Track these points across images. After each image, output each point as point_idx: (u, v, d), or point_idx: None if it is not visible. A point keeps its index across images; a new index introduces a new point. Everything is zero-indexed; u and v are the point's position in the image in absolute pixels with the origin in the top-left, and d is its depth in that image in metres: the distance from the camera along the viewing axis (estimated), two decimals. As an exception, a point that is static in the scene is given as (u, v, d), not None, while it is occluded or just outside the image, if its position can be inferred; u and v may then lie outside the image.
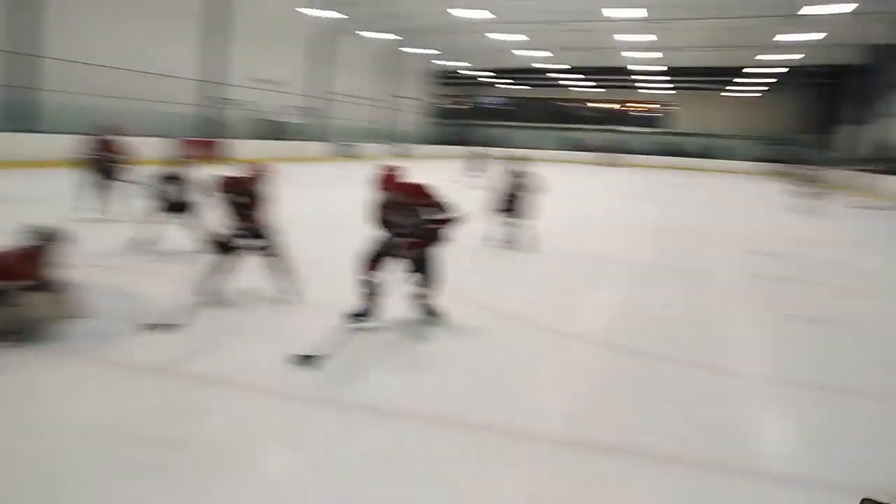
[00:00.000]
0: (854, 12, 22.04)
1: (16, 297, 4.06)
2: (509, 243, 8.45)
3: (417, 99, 43.15)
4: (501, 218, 8.62)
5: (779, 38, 24.68)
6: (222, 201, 5.13)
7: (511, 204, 8.53)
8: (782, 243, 10.36)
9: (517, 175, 8.69)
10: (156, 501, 2.54)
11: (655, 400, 3.86)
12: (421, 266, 4.68)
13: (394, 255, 4.64)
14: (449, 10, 26.23)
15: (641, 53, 31.21)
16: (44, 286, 4.24)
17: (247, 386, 3.69)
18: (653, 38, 29.20)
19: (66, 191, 8.63)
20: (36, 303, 4.15)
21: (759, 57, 30.32)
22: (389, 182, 4.58)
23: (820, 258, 9.25)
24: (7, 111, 16.85)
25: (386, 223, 4.66)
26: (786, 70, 35.93)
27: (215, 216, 5.42)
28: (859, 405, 4.00)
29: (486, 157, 18.57)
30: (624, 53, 32.46)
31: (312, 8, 25.87)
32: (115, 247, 6.93)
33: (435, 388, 3.85)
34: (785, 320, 5.91)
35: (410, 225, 4.58)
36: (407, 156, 33.58)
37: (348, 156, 30.47)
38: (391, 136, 37.78)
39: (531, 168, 8.79)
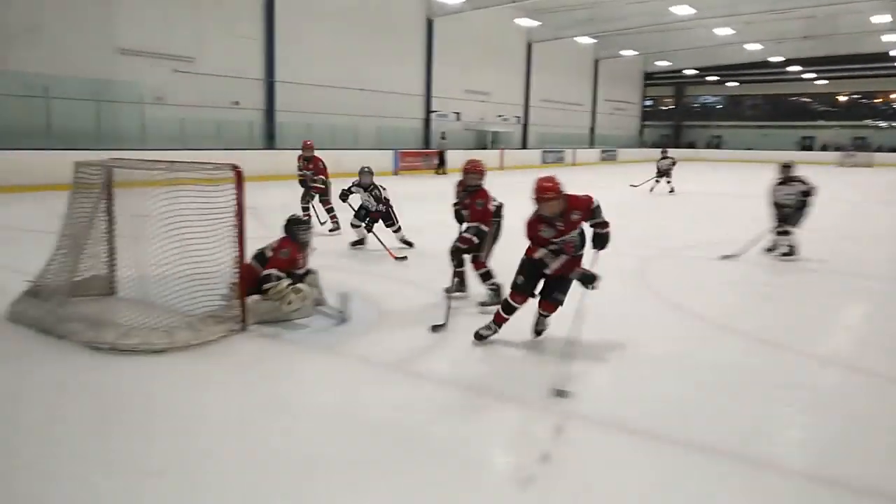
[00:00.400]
0: None
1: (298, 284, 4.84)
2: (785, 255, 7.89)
3: (627, 102, 41.88)
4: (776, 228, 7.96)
5: None
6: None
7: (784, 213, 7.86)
8: None
9: (787, 181, 7.93)
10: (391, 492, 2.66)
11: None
12: (560, 283, 4.35)
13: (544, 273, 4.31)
14: (653, 9, 25.22)
15: (890, 35, 27.36)
16: (306, 276, 5.04)
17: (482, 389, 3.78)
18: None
19: (293, 201, 9.61)
20: (305, 291, 4.84)
21: None
22: (546, 192, 4.17)
23: None
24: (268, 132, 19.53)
25: (536, 238, 4.26)
26: None
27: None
28: None
29: (670, 160, 17.30)
30: (883, 38, 28.63)
31: (522, 18, 26.33)
32: (338, 251, 7.59)
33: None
34: None
35: (561, 241, 4.21)
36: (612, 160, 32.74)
37: (553, 162, 30.58)
38: (601, 142, 37.15)
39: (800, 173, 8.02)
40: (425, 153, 24.13)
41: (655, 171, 17.18)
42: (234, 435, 3.23)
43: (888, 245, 9.65)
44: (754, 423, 3.50)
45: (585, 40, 30.97)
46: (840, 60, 35.64)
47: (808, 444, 3.40)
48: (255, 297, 4.82)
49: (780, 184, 8.00)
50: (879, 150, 37.90)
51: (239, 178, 4.42)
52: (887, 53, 31.70)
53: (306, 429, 3.32)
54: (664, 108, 49.72)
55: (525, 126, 31.73)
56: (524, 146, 31.22)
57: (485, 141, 28.27)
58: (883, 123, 41.96)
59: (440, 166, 23.61)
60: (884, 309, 6.19)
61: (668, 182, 16.58)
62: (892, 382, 4.17)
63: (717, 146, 45.45)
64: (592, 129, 37.63)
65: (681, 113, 48.71)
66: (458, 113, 27.13)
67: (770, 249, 8.11)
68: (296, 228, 5.09)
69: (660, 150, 19.30)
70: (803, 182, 7.85)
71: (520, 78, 31.27)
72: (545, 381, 3.77)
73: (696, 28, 30.13)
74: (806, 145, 42.67)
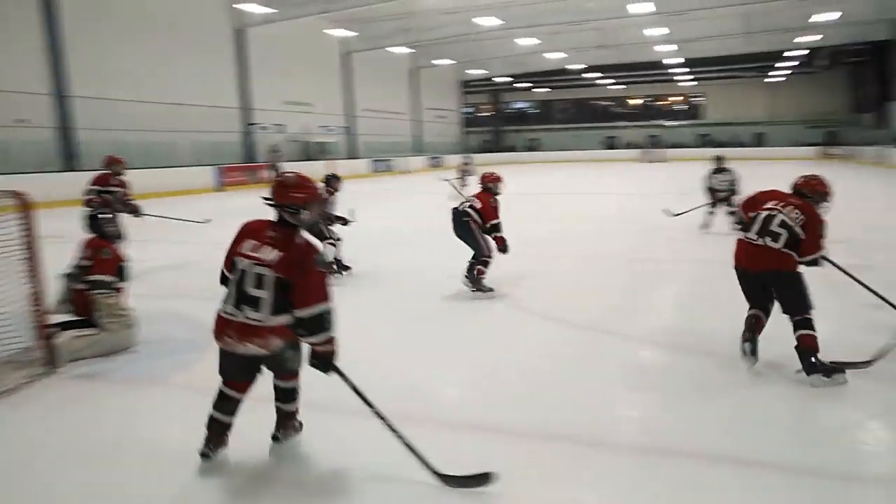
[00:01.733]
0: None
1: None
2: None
3: (448, 109, 43.20)
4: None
5: (815, 18, 24.08)
6: None
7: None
8: (852, 229, 9.86)
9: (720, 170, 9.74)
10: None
11: (743, 406, 3.61)
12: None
13: None
14: (464, 19, 26.33)
15: (668, 46, 30.86)
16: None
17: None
18: (681, 29, 28.85)
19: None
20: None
21: (797, 39, 29.69)
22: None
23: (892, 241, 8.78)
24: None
25: None
26: (823, 50, 35.20)
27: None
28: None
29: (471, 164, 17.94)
30: (656, 48, 32.07)
31: (335, 28, 26.18)
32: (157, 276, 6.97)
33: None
34: (856, 311, 5.55)
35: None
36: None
37: (384, 171, 30.78)
38: (427, 149, 37.96)
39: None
40: (250, 167, 23.15)
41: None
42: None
43: (673, 232, 10.69)
44: (592, 406, 3.66)
45: (402, 50, 31.48)
46: (629, 67, 39.43)
47: (638, 421, 3.61)
48: (70, 332, 4.26)
49: (716, 172, 9.82)
50: (674, 146, 42.48)
51: (25, 206, 3.87)
52: (663, 62, 35.60)
53: (139, 474, 2.94)
54: (483, 114, 51.98)
55: (351, 136, 31.59)
56: (353, 156, 31.05)
57: (310, 152, 27.73)
58: (669, 123, 47.17)
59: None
60: (692, 288, 6.83)
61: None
62: (709, 356, 4.54)
63: (535, 149, 48.34)
64: (417, 137, 38.36)
65: (499, 119, 51.23)
66: (280, 125, 26.36)
67: (704, 226, 9.79)
68: (101, 222, 4.58)
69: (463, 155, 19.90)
70: (731, 172, 9.73)
71: (342, 88, 31.09)
72: (394, 393, 3.68)
73: (504, 38, 31.76)
74: (610, 144, 46.69)
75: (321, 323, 2.82)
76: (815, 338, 3.88)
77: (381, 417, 2.96)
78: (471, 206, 6.17)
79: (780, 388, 3.91)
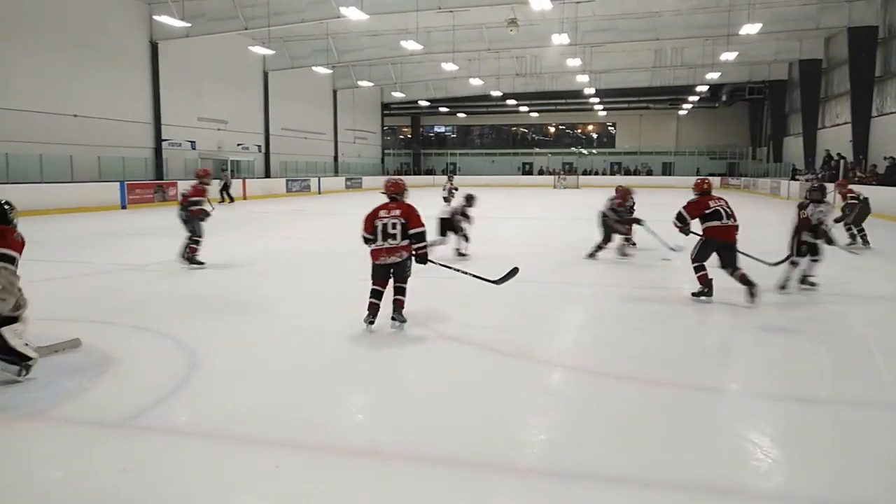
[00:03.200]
0: (785, 31, 23.41)
1: None
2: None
3: (368, 131, 43.10)
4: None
5: (718, 57, 25.62)
6: None
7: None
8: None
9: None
10: None
11: (631, 422, 3.64)
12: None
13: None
14: (385, 42, 26.52)
15: (582, 77, 32.05)
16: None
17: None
18: (595, 61, 30.01)
19: None
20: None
21: (703, 76, 31.45)
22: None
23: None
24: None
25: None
26: (726, 87, 37.47)
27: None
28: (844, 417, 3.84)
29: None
30: (572, 78, 33.20)
31: (256, 46, 25.72)
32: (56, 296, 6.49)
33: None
34: (756, 332, 5.81)
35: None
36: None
37: (300, 191, 30.29)
38: (346, 169, 37.67)
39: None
40: (158, 184, 22.22)
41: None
42: None
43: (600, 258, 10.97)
44: (495, 430, 3.61)
45: (323, 70, 31.22)
46: (546, 95, 40.61)
47: (543, 444, 3.58)
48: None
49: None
50: (585, 173, 43.96)
51: None
52: (581, 91, 36.91)
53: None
54: (403, 136, 52.18)
55: (267, 155, 30.93)
56: (268, 175, 30.42)
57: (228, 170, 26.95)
58: (584, 151, 48.82)
59: (226, 195, 23.68)
60: (598, 310, 6.96)
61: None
62: (623, 380, 4.61)
63: (454, 172, 48.83)
64: (336, 158, 38.00)
65: (419, 141, 51.53)
66: (192, 141, 25.53)
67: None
68: (5, 209, 4.23)
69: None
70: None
71: (258, 106, 30.46)
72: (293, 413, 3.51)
73: (426, 62, 32.11)
74: (527, 170, 47.81)
75: (421, 236, 5.51)
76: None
77: (462, 271, 6.19)
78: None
79: (678, 406, 4.00)
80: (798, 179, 26.74)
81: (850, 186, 11.79)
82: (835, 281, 8.06)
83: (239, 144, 28.60)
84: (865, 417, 3.87)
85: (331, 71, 32.98)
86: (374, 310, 5.47)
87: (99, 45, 20.99)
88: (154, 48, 23.21)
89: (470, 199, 10.10)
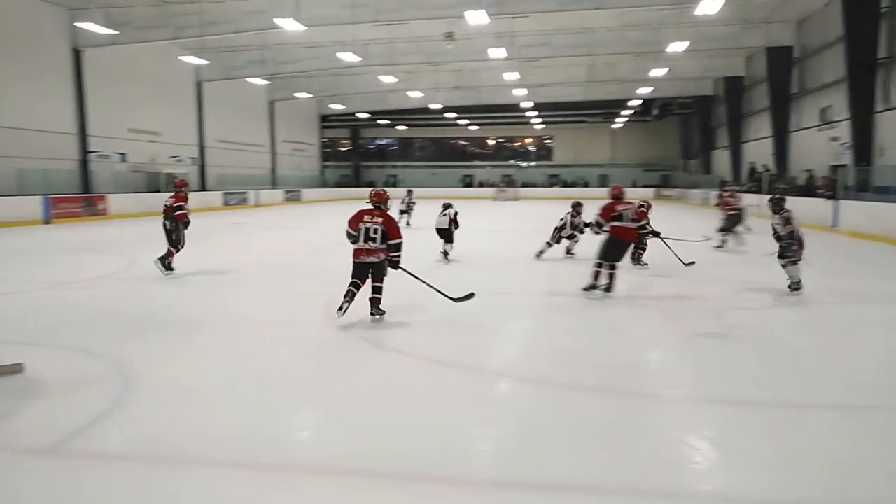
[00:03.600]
0: (710, 49, 24.47)
1: None
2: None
3: (306, 143, 42.59)
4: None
5: (649, 72, 26.49)
6: None
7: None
8: (670, 264, 10.71)
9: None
10: None
11: (576, 430, 3.68)
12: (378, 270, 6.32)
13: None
14: (322, 54, 26.34)
15: (520, 90, 32.58)
16: None
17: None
18: (532, 75, 30.59)
19: None
20: None
21: (635, 91, 32.40)
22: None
23: (710, 274, 9.60)
24: None
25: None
26: (660, 101, 38.80)
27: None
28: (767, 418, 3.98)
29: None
30: (510, 91, 33.71)
31: (188, 55, 25.09)
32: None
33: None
34: (692, 338, 5.98)
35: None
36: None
37: (237, 204, 29.63)
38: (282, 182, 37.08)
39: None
40: (86, 197, 21.32)
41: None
42: None
43: (532, 265, 11.11)
44: (444, 441, 3.58)
45: (259, 81, 30.70)
46: (485, 109, 41.08)
47: (491, 454, 3.57)
48: None
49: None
50: (524, 186, 44.60)
51: None
52: (519, 105, 37.47)
53: None
54: (343, 149, 51.79)
55: (202, 167, 30.14)
56: (203, 188, 29.61)
57: (158, 184, 26.09)
58: (523, 163, 49.57)
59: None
60: (543, 320, 7.03)
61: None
62: (566, 388, 4.65)
63: (394, 185, 48.75)
64: (274, 170, 37.36)
65: (359, 154, 51.23)
66: (122, 153, 24.63)
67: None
68: None
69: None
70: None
71: (192, 117, 29.68)
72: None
73: (364, 74, 32.01)
74: (467, 182, 48.16)
75: (398, 247, 6.24)
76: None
77: (427, 283, 6.70)
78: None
79: (620, 412, 4.06)
80: (727, 191, 27.80)
81: (729, 199, 13.22)
82: (767, 287, 8.39)
83: (172, 156, 27.76)
84: (798, 418, 4.02)
85: (267, 82, 32.47)
86: (349, 297, 6.09)
87: (16, 52, 20.02)
88: (77, 56, 22.30)
89: (456, 213, 11.29)
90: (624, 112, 40.45)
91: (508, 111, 41.48)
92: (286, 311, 7.11)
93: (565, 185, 45.84)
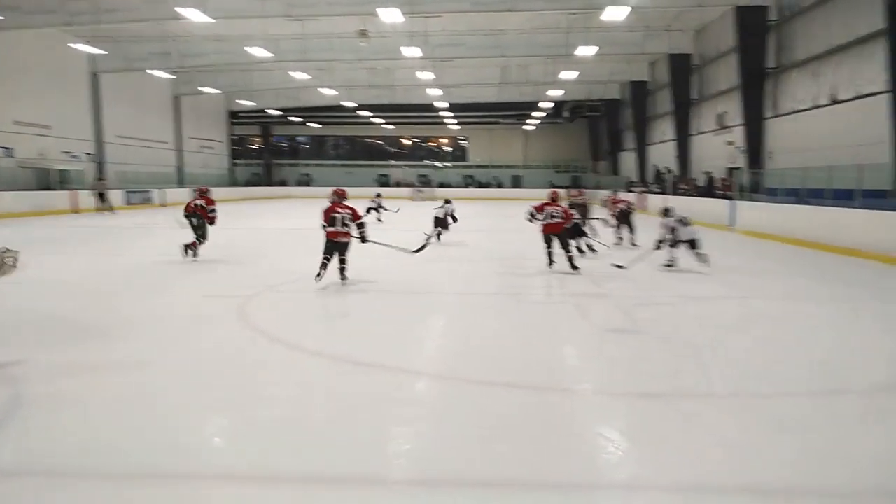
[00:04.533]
0: (617, 54, 25.43)
1: None
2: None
3: (215, 140, 41.12)
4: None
5: (560, 75, 27.17)
6: None
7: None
8: (584, 261, 11.01)
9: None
10: None
11: (495, 426, 3.68)
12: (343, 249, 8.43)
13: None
14: (231, 48, 25.53)
15: (435, 90, 32.68)
16: None
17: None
18: (446, 75, 30.78)
19: None
20: None
21: (546, 92, 33.09)
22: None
23: (618, 272, 9.93)
24: None
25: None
26: (570, 104, 39.91)
27: None
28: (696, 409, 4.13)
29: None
30: (425, 91, 33.75)
31: (82, 44, 23.62)
32: None
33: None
34: (603, 334, 6.14)
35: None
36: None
37: (140, 203, 28.21)
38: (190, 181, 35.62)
39: None
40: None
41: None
42: None
43: (451, 264, 11.17)
44: (365, 442, 3.50)
45: (163, 74, 29.33)
46: (400, 108, 41.01)
47: (412, 454, 3.52)
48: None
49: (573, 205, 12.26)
50: (440, 186, 44.85)
51: None
52: (434, 104, 37.62)
53: None
54: (253, 146, 50.37)
55: (101, 164, 28.47)
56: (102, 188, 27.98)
57: (48, 181, 24.44)
58: (438, 164, 49.83)
59: (104, 204, 23.42)
60: (465, 319, 7.04)
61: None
62: (483, 385, 4.65)
63: (308, 184, 47.88)
64: (180, 168, 35.82)
65: (270, 152, 49.95)
66: (8, 148, 22.91)
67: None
68: None
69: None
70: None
71: (88, 110, 27.95)
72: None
73: (275, 70, 31.22)
74: (383, 182, 47.90)
75: (362, 224, 8.47)
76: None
77: (388, 245, 9.65)
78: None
79: (535, 407, 4.10)
80: (633, 191, 28.95)
81: (616, 199, 14.62)
82: (671, 284, 8.75)
83: (66, 152, 26.08)
84: (699, 407, 4.18)
85: (172, 76, 31.10)
86: (323, 267, 8.21)
87: None
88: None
89: (453, 210, 14.30)
90: (536, 114, 41.32)
91: (424, 111, 41.58)
92: (192, 314, 6.80)
93: (480, 185, 46.44)
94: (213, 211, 10.92)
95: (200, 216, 10.78)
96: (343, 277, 8.39)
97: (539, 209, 9.85)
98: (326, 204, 8.42)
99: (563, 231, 9.78)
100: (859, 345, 5.85)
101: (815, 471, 3.25)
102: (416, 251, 9.33)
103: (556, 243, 9.76)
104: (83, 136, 27.50)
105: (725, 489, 3.05)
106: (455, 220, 14.07)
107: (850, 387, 4.63)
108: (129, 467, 3.21)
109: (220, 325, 6.20)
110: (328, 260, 8.24)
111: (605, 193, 21.00)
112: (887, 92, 13.29)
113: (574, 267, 9.62)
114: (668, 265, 10.04)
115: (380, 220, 19.67)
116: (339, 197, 8.52)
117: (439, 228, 13.83)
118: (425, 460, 3.37)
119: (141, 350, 5.37)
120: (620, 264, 9.82)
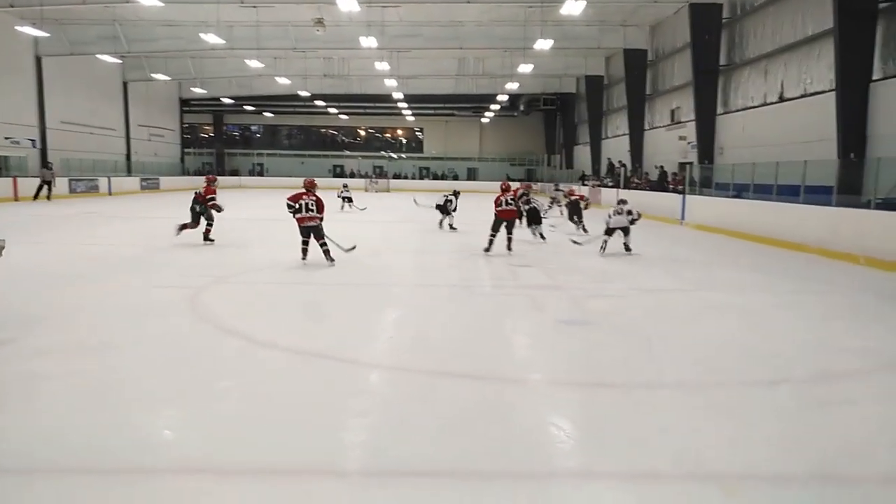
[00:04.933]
0: (573, 48, 25.69)
1: None
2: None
3: (165, 128, 40.04)
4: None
5: (516, 68, 27.31)
6: None
7: None
8: (537, 254, 11.13)
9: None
10: None
11: (447, 417, 3.70)
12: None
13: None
14: (183, 34, 24.93)
15: (390, 81, 32.49)
16: None
17: None
18: (402, 66, 30.62)
19: None
20: None
21: (503, 85, 33.19)
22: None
23: (572, 265, 10.09)
24: None
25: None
26: (526, 97, 40.16)
27: None
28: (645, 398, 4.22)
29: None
30: (381, 82, 33.51)
31: (25, 26, 22.68)
32: None
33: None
34: (555, 325, 6.23)
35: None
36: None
37: (87, 192, 27.34)
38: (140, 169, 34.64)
39: None
40: None
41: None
42: None
43: (408, 256, 11.16)
44: (318, 434, 3.47)
45: (110, 59, 28.35)
46: (356, 98, 40.62)
47: (366, 444, 3.51)
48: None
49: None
50: (396, 177, 44.71)
51: None
52: (390, 95, 37.42)
53: None
54: (205, 135, 49.28)
55: (44, 151, 27.42)
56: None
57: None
58: (394, 155, 49.60)
59: (42, 191, 23.45)
60: (417, 310, 7.04)
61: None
62: (437, 376, 4.66)
63: (261, 173, 47.13)
64: (128, 157, 34.77)
65: (222, 141, 48.93)
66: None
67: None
68: None
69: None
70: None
71: (31, 95, 26.82)
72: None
73: (228, 58, 30.58)
74: (338, 173, 47.45)
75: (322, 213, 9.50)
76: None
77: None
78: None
79: (490, 397, 4.14)
80: (587, 184, 29.35)
81: (574, 191, 16.66)
82: (623, 276, 8.91)
83: (7, 138, 25.05)
84: (650, 397, 4.29)
85: (120, 61, 30.14)
86: (304, 253, 9.35)
87: None
88: None
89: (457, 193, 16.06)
90: (492, 106, 41.48)
91: (380, 101, 41.31)
92: (141, 306, 6.63)
93: (435, 177, 46.43)
94: (213, 199, 11.51)
95: (202, 204, 11.50)
96: (328, 259, 9.26)
97: (497, 199, 11.00)
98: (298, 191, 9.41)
99: (513, 218, 10.99)
100: (800, 335, 6.07)
101: (759, 456, 3.36)
102: (348, 250, 9.85)
103: (503, 229, 10.86)
104: (25, 122, 26.43)
105: (674, 476, 3.14)
106: (455, 208, 15.46)
107: (791, 376, 4.81)
108: (77, 461, 3.12)
109: (170, 317, 6.07)
110: (306, 244, 9.37)
111: (551, 186, 21.59)
112: (833, 91, 13.77)
113: (510, 249, 10.88)
114: (602, 249, 11.08)
115: (347, 207, 21.73)
116: (308, 187, 9.51)
117: (445, 220, 15.26)
118: (380, 451, 3.36)
119: (88, 342, 5.22)
120: (577, 241, 11.85)
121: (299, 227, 9.31)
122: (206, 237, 11.59)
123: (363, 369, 4.78)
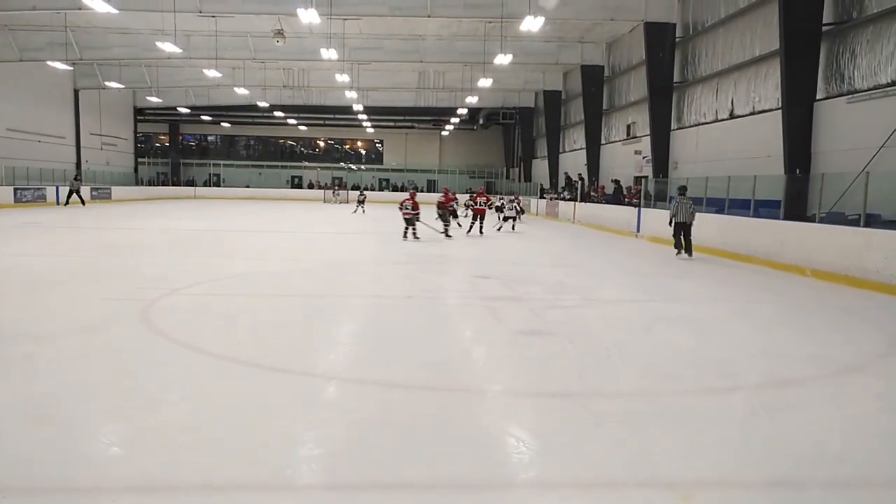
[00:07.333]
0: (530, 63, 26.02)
1: None
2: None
3: (118, 137, 39.09)
4: None
5: (476, 83, 27.54)
6: None
7: None
8: (498, 266, 11.19)
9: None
10: None
11: (405, 428, 3.67)
12: None
13: None
14: (138, 41, 24.48)
15: (350, 93, 32.43)
16: None
17: None
18: (362, 78, 30.59)
19: None
20: None
21: (467, 99, 33.39)
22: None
23: (529, 275, 10.16)
24: None
25: None
26: (486, 111, 40.53)
27: None
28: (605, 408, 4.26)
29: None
30: (340, 93, 33.38)
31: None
32: None
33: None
34: (513, 335, 6.25)
35: None
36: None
37: (33, 201, 26.47)
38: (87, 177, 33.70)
39: None
40: None
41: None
42: None
43: (363, 267, 11.10)
44: (273, 449, 3.40)
45: (61, 66, 27.58)
46: (315, 110, 40.40)
47: (322, 458, 3.45)
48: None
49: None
50: (355, 189, 44.48)
51: None
52: (350, 107, 37.32)
53: None
54: (160, 144, 48.33)
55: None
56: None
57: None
58: (353, 166, 49.43)
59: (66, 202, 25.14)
60: (372, 322, 6.99)
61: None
62: (394, 388, 4.62)
63: (217, 184, 46.41)
64: (79, 165, 33.80)
65: (178, 150, 48.04)
66: None
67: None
68: None
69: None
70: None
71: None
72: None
73: (185, 67, 30.11)
74: (296, 183, 47.07)
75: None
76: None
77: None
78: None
79: (448, 408, 4.12)
80: (545, 197, 29.69)
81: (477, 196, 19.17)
82: (580, 288, 9.01)
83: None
84: (606, 405, 4.32)
85: (71, 68, 29.36)
86: (405, 235, 13.51)
87: None
88: None
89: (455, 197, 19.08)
90: (452, 119, 41.73)
91: (339, 113, 41.19)
92: (89, 317, 6.42)
93: (396, 189, 46.41)
94: None
95: None
96: (415, 237, 14.70)
97: (474, 199, 16.29)
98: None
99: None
100: (751, 344, 6.22)
101: (713, 462, 3.42)
102: (442, 232, 15.76)
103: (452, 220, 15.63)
104: (-31, 129, 25.53)
105: (630, 484, 3.16)
106: (455, 215, 18.27)
107: (744, 383, 4.91)
108: (13, 480, 2.99)
109: (120, 330, 5.89)
110: (406, 229, 15.02)
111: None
112: (780, 109, 14.24)
113: (448, 235, 15.95)
114: (498, 229, 17.64)
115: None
116: (412, 196, 15.09)
117: (447, 221, 17.25)
118: (335, 464, 3.30)
119: (31, 355, 5.02)
120: (498, 227, 17.06)
121: (403, 218, 14.85)
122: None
123: (319, 381, 4.71)
